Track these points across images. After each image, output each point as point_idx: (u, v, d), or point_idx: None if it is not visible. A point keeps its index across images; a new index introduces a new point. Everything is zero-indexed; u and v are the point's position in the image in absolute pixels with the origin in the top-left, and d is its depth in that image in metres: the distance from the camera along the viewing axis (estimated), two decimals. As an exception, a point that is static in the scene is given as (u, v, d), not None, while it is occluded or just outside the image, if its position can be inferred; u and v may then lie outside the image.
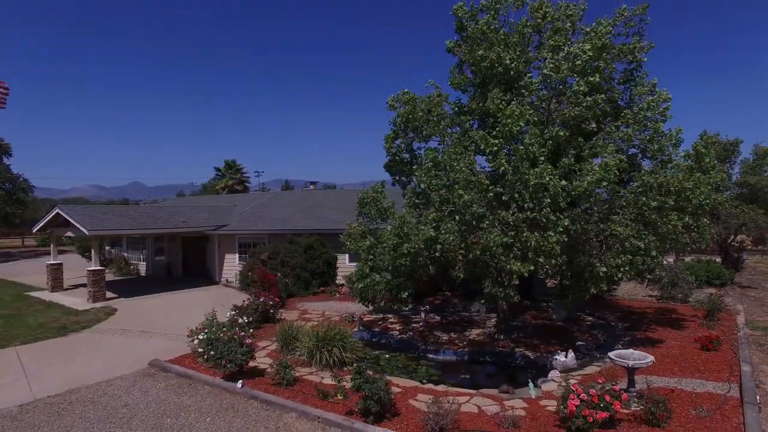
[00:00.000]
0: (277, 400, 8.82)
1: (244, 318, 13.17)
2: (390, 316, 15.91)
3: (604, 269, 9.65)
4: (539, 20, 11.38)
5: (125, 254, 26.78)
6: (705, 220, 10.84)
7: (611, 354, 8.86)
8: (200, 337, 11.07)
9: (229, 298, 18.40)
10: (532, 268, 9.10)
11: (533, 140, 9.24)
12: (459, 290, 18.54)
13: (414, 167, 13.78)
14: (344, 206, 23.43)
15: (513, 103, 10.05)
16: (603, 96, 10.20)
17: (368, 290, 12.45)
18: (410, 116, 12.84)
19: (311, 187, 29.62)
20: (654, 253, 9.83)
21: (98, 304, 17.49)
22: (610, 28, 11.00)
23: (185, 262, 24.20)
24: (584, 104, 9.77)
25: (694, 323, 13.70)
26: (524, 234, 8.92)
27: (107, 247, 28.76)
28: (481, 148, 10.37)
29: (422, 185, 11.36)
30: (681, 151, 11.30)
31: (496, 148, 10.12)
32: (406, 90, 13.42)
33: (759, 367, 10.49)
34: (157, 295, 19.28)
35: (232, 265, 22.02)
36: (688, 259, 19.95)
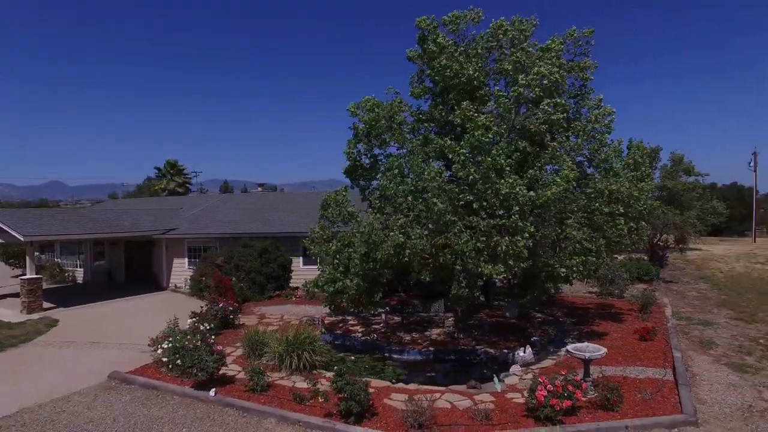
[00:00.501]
0: (253, 406, 8.81)
1: (205, 324, 12.90)
2: (349, 318, 16.12)
3: (564, 270, 10.47)
4: (500, 35, 12.08)
5: (59, 260, 25.03)
6: (643, 223, 12.02)
7: (569, 347, 9.64)
8: (164, 345, 10.78)
9: (181, 304, 17.80)
10: (502, 269, 9.71)
11: (501, 152, 9.87)
12: (414, 291, 19.07)
13: (378, 173, 14.13)
14: (297, 209, 23.35)
15: (483, 116, 10.63)
16: (563, 114, 11.07)
17: (339, 295, 12.60)
18: (374, 123, 13.14)
19: (259, 189, 29.14)
20: (603, 254, 10.81)
21: (35, 315, 16.33)
22: (561, 46, 11.91)
23: (128, 268, 23.05)
24: (549, 121, 10.58)
25: (631, 316, 15.05)
26: (495, 239, 9.50)
27: (36, 253, 26.69)
28: (449, 157, 10.86)
29: (389, 191, 11.69)
30: (622, 161, 12.43)
31: (463, 157, 10.65)
32: (368, 97, 13.71)
33: (686, 353, 11.76)
34: (102, 304, 18.27)
35: (181, 269, 21.26)
36: (620, 257, 21.72)
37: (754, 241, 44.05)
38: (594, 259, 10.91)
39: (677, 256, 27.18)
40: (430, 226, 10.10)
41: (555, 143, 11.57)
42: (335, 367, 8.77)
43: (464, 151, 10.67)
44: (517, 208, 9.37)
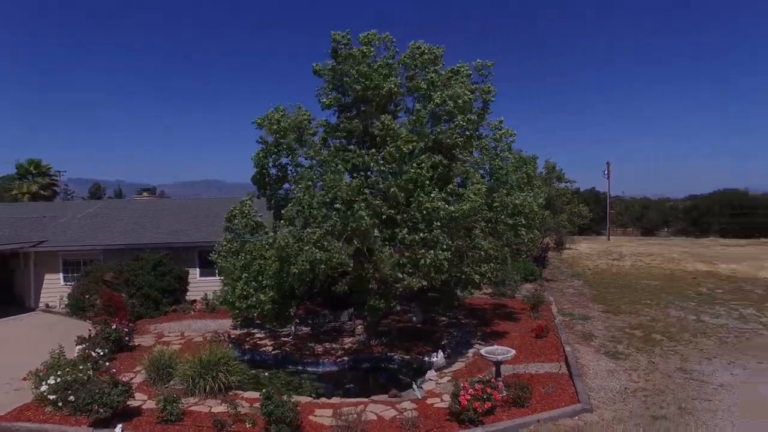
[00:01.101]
0: (170, 439, 8.15)
1: (98, 351, 11.61)
2: (255, 330, 15.56)
3: (478, 276, 11.22)
4: (417, 55, 12.58)
5: None
6: (536, 231, 13.33)
7: (482, 351, 10.35)
8: (51, 381, 9.46)
9: (58, 326, 15.77)
10: (425, 283, 10.12)
11: (423, 164, 10.30)
12: (319, 299, 18.96)
13: (285, 183, 13.87)
14: (190, 216, 21.90)
15: (403, 128, 10.97)
16: (474, 130, 11.86)
17: (252, 310, 12.07)
18: (282, 135, 12.85)
19: (144, 195, 26.74)
20: (508, 260, 11.81)
21: None
22: (469, 71, 12.77)
23: (-19, 287, 19.70)
24: (464, 136, 11.24)
25: (524, 315, 16.53)
26: (421, 252, 9.88)
27: None
28: (370, 166, 11.04)
29: (303, 203, 11.52)
30: (517, 175, 13.64)
31: (383, 168, 10.90)
32: (272, 111, 13.37)
33: (574, 346, 13.26)
34: (-50, 332, 15.43)
35: (54, 287, 18.72)
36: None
37: (608, 239, 50.85)
38: (500, 265, 11.85)
39: (554, 255, 30.39)
40: (355, 242, 10.18)
41: (462, 157, 12.33)
42: (263, 390, 8.44)
43: (383, 162, 10.93)
44: (438, 223, 9.85)
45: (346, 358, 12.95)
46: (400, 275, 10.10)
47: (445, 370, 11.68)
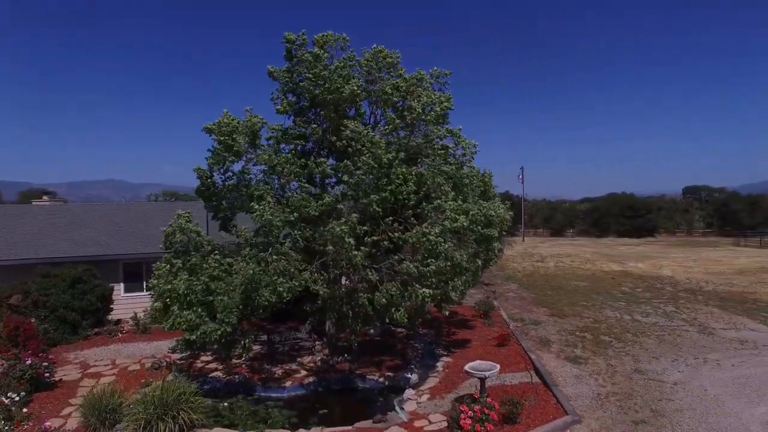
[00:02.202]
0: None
1: (11, 395, 9.64)
2: (199, 353, 13.99)
3: (454, 294, 10.96)
4: (380, 59, 12.03)
5: None
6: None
7: (467, 367, 10.01)
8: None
9: None
10: (408, 315, 9.78)
11: (409, 178, 9.82)
12: (263, 314, 17.68)
13: (232, 192, 12.66)
14: (107, 225, 19.40)
15: (373, 134, 10.35)
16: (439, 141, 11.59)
17: (204, 339, 10.72)
18: (232, 140, 11.67)
19: (45, 198, 23.25)
20: (480, 272, 11.75)
21: None
22: (431, 79, 12.48)
23: None
24: (435, 146, 10.88)
25: (478, 322, 16.63)
26: (414, 288, 9.51)
27: None
28: (342, 177, 10.29)
29: (265, 223, 10.49)
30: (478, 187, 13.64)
31: (357, 179, 10.21)
32: (226, 113, 12.13)
33: (537, 353, 13.49)
34: None
35: (-65, 312, 15.49)
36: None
37: (523, 241, 53.86)
38: (472, 277, 11.69)
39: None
40: (336, 271, 9.50)
41: (430, 169, 11.99)
42: (233, 425, 7.36)
43: (359, 172, 10.25)
44: (433, 260, 9.58)
45: (311, 380, 12.02)
46: (392, 310, 9.64)
47: (421, 387, 11.25)
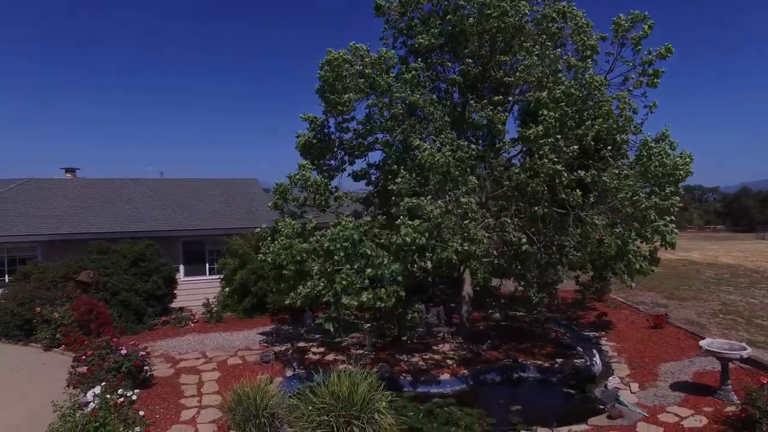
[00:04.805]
0: None
1: (125, 392, 7.16)
2: (302, 343, 11.58)
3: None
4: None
5: None
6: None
7: (705, 344, 7.94)
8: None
9: None
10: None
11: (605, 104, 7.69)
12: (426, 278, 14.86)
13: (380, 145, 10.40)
14: (159, 200, 16.67)
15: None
16: None
17: (343, 321, 8.40)
18: (375, 80, 9.34)
19: (68, 176, 20.27)
20: None
21: None
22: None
23: None
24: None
25: (599, 306, 14.52)
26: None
27: None
28: (542, 112, 8.09)
29: (435, 167, 8.16)
30: None
31: (558, 113, 8.03)
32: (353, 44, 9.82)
33: (701, 334, 11.49)
34: None
35: (-37, 298, 12.67)
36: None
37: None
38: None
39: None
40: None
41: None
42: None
43: (562, 104, 8.08)
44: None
45: (464, 371, 9.75)
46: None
47: (619, 376, 9.05)
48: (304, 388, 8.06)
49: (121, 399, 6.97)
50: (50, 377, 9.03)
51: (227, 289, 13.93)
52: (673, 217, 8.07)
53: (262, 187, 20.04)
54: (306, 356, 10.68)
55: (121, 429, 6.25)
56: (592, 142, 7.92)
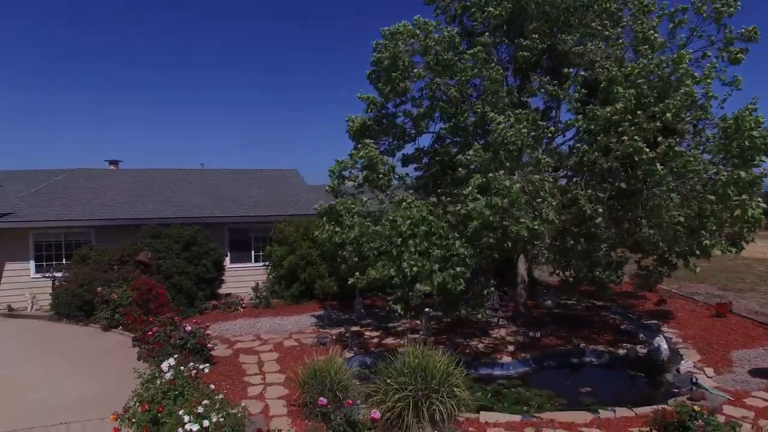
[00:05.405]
0: None
1: (197, 364, 7.17)
2: (355, 327, 11.48)
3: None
4: None
5: None
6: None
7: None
8: (190, 427, 5.05)
9: (44, 335, 10.61)
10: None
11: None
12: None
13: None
14: (204, 188, 16.84)
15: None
16: None
17: (413, 297, 8.23)
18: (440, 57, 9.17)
19: (111, 167, 20.68)
20: None
21: None
22: None
23: None
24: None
25: (651, 296, 14.04)
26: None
27: None
28: (614, 89, 7.80)
29: (505, 135, 7.94)
30: None
31: (634, 91, 7.73)
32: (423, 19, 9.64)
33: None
34: None
35: (22, 281, 12.97)
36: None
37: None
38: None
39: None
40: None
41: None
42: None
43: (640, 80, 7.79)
44: None
45: (524, 355, 9.54)
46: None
47: (687, 362, 8.71)
48: (369, 367, 8.01)
49: (194, 372, 6.98)
50: (115, 354, 9.16)
51: (273, 276, 13.95)
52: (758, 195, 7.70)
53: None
54: (362, 339, 10.60)
55: (198, 398, 6.24)
56: (671, 118, 7.57)
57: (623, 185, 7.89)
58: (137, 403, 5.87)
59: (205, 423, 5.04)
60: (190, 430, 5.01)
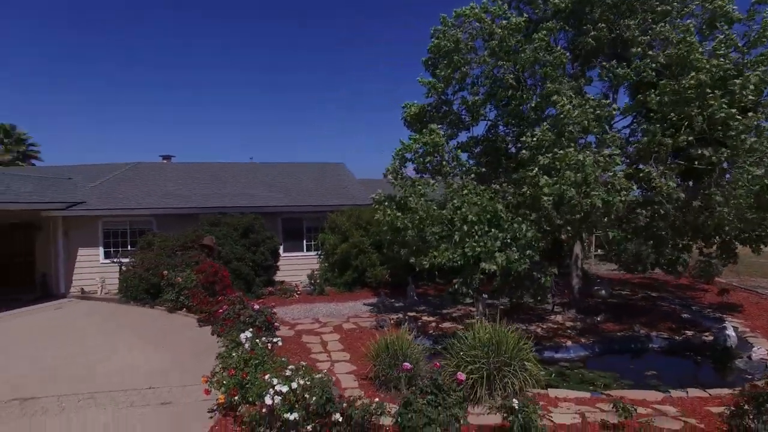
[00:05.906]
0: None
1: (269, 337, 7.51)
2: (413, 313, 11.66)
3: None
4: None
5: None
6: None
7: None
8: (282, 388, 5.32)
9: (116, 315, 11.24)
10: None
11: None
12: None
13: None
14: (257, 180, 17.39)
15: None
16: None
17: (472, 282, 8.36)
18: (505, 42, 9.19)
19: (164, 161, 21.60)
20: None
21: None
22: None
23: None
24: None
25: (709, 288, 13.70)
26: None
27: None
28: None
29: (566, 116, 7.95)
30: None
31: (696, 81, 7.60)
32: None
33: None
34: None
35: (92, 265, 13.79)
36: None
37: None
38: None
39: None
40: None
41: None
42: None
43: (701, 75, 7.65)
44: None
45: (584, 340, 9.50)
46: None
47: (764, 348, 8.48)
48: (431, 348, 8.20)
49: (269, 344, 7.31)
50: (184, 332, 9.68)
51: (326, 264, 14.30)
52: None
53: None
54: (419, 323, 10.77)
55: (280, 365, 6.53)
56: (753, 89, 7.40)
57: (696, 163, 7.76)
58: (223, 369, 6.23)
59: (294, 385, 5.31)
60: (280, 390, 5.29)
